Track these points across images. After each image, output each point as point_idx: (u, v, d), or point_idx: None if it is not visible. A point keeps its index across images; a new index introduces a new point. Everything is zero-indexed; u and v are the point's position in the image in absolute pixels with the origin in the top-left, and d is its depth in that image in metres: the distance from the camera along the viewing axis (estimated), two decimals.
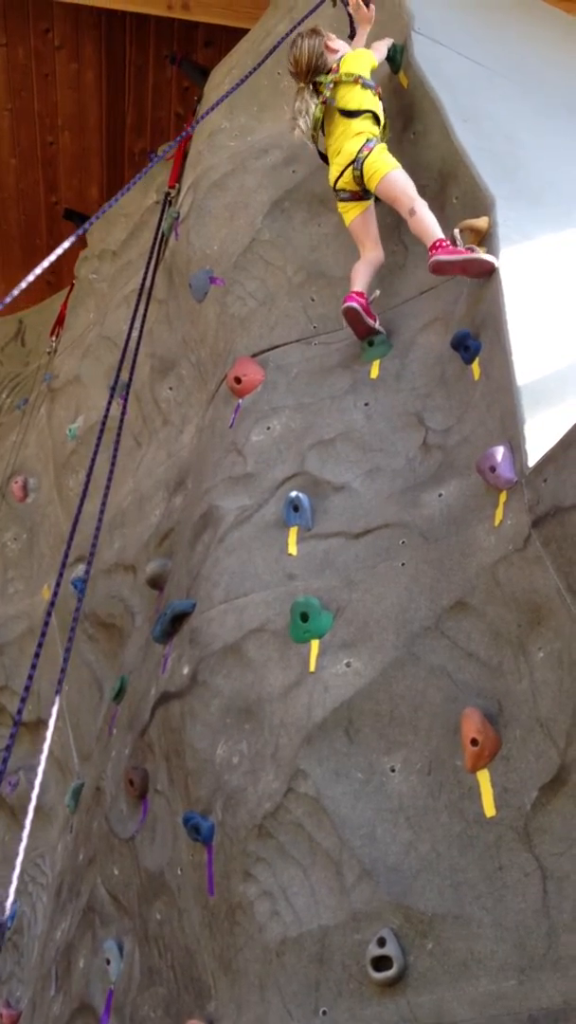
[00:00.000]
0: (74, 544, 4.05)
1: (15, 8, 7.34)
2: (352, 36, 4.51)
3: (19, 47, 7.66)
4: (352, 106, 3.93)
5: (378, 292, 3.82)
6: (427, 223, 3.62)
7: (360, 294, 3.75)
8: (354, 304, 3.70)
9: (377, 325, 3.75)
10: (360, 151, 3.84)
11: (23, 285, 2.61)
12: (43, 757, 3.15)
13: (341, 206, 3.98)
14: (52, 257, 2.99)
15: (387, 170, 3.78)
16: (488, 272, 3.38)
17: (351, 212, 3.94)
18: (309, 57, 4.04)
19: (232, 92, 4.47)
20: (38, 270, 2.77)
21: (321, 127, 4.04)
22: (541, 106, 4.47)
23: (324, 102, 3.98)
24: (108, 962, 3.32)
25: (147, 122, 8.19)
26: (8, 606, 5.80)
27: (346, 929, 2.52)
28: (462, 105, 4.10)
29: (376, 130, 3.93)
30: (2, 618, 5.74)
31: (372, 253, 3.92)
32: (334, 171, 3.94)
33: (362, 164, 3.82)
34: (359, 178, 3.85)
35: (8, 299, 2.51)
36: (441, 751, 2.63)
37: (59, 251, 3.04)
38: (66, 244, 3.08)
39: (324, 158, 4.08)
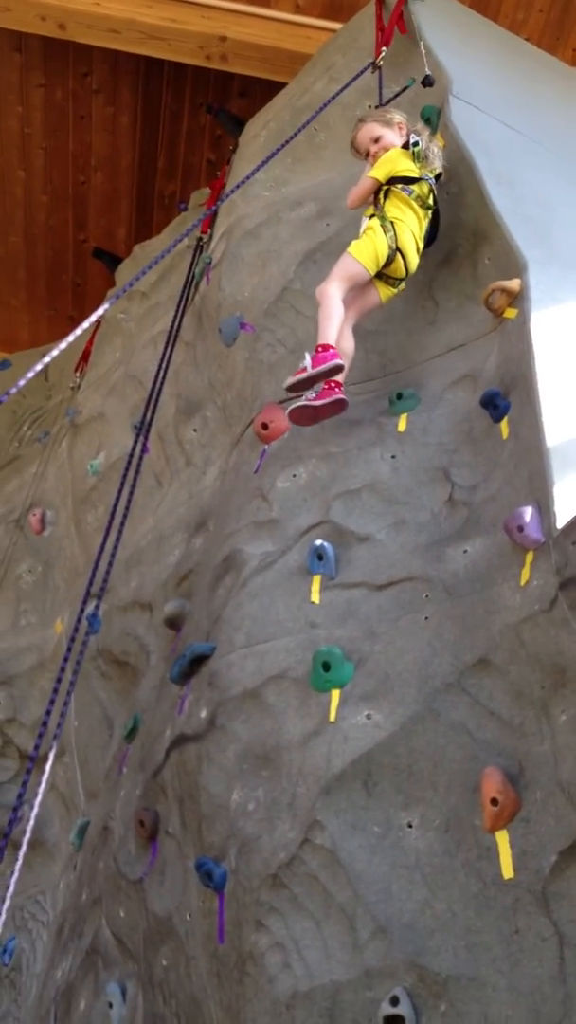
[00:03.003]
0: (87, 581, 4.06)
1: (56, 51, 7.54)
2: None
3: (58, 89, 7.86)
4: None
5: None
6: (320, 319, 3.73)
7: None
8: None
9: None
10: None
11: (71, 338, 2.66)
12: (40, 790, 3.13)
13: None
14: (99, 311, 3.06)
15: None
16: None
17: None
18: None
19: (273, 156, 4.55)
20: (84, 325, 2.82)
21: None
22: (574, 173, 4.56)
23: None
24: (110, 1005, 3.28)
25: (178, 167, 8.36)
26: (20, 638, 5.81)
27: (358, 986, 2.50)
28: (497, 168, 4.18)
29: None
30: (13, 650, 5.75)
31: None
32: None
33: None
34: None
35: (48, 359, 2.56)
36: (460, 809, 2.62)
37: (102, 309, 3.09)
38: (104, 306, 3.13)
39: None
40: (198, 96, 7.78)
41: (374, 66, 4.94)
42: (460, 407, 3.64)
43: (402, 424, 3.74)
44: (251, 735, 3.09)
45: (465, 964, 2.40)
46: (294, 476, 3.80)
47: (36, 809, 2.82)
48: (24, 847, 2.94)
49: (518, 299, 3.59)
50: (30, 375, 2.53)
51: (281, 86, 6.41)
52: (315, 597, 3.31)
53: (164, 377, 4.41)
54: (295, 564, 3.46)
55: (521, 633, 2.70)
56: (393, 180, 3.96)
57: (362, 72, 4.91)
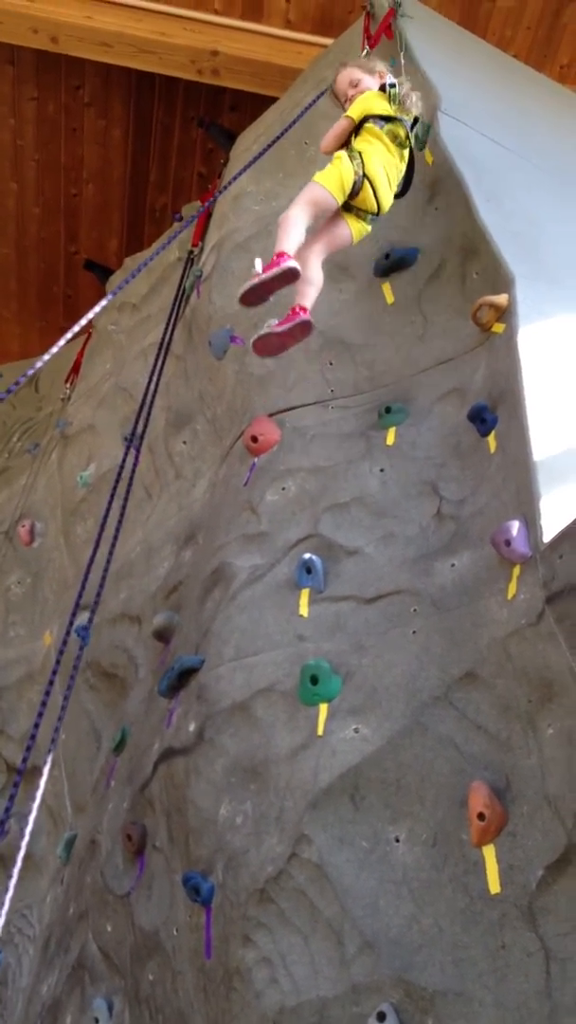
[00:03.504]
0: (76, 593, 4.05)
1: (48, 64, 7.56)
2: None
3: (50, 102, 7.88)
4: None
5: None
6: (281, 226, 3.57)
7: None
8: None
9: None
10: None
11: (61, 343, 2.67)
12: (35, 806, 3.12)
13: None
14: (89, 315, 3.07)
15: None
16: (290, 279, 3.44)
17: None
18: None
19: (259, 157, 4.58)
20: (73, 331, 2.83)
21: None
22: (561, 189, 4.60)
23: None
24: (96, 1021, 3.27)
25: (170, 180, 8.38)
26: (8, 650, 5.80)
27: (345, 1001, 2.50)
28: (485, 184, 4.21)
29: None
30: (2, 662, 5.73)
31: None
32: None
33: None
34: None
35: (39, 365, 2.57)
36: (447, 823, 2.63)
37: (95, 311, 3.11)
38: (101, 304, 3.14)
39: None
40: (189, 110, 7.81)
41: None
42: (448, 421, 3.66)
43: (390, 438, 3.76)
44: (239, 749, 3.09)
45: (452, 979, 2.40)
46: (283, 489, 3.81)
47: (31, 825, 2.80)
48: (19, 863, 2.93)
49: (506, 314, 3.61)
50: (14, 387, 2.53)
51: (272, 101, 6.44)
52: (303, 610, 3.32)
53: (156, 390, 4.42)
54: (284, 577, 3.47)
55: (508, 647, 2.71)
56: (367, 119, 3.84)
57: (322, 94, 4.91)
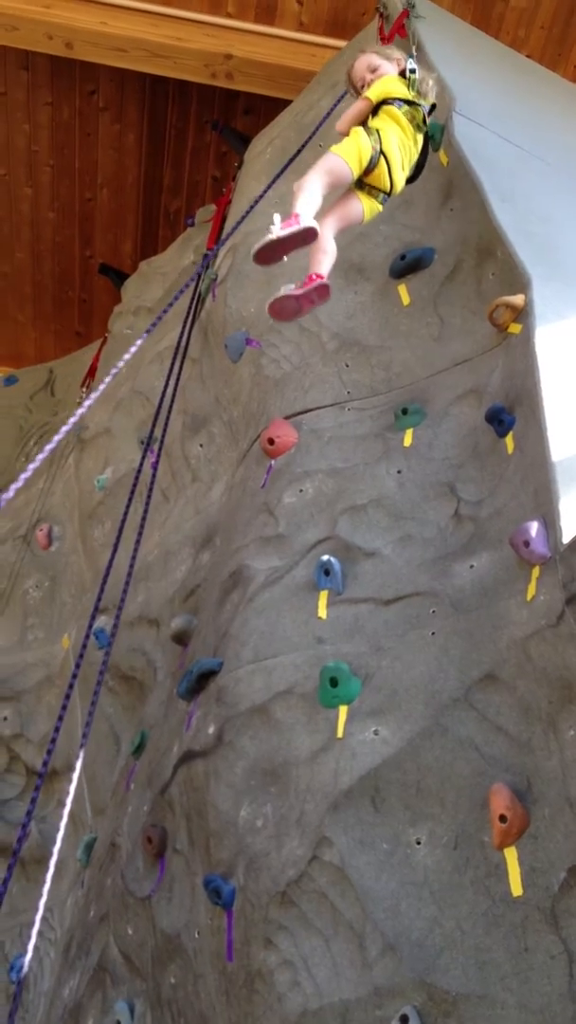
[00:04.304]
0: (94, 597, 4.04)
1: (63, 70, 7.61)
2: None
3: (64, 107, 7.93)
4: None
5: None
6: (298, 191, 3.51)
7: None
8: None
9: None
10: None
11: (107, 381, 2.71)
12: (65, 812, 3.14)
13: None
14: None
15: None
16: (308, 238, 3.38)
17: None
18: None
19: (278, 177, 4.55)
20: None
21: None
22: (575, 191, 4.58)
23: None
24: (118, 1023, 3.28)
25: (183, 184, 8.42)
26: (27, 653, 5.82)
27: (368, 1004, 2.49)
28: (500, 185, 4.20)
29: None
30: (21, 665, 5.75)
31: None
32: None
33: None
34: None
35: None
36: (468, 826, 2.62)
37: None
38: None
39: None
40: (203, 114, 7.84)
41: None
42: (465, 422, 3.65)
43: (408, 439, 3.75)
44: (259, 751, 3.10)
45: (474, 982, 2.39)
46: (300, 491, 3.81)
47: (62, 831, 2.82)
48: (52, 868, 2.94)
49: (522, 315, 3.61)
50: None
51: (285, 103, 6.45)
52: (322, 612, 3.32)
53: (174, 394, 4.42)
54: (302, 579, 3.47)
55: (528, 648, 2.70)
56: (385, 101, 3.79)
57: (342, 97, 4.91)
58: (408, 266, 4.31)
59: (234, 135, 7.15)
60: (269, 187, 4.43)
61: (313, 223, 3.42)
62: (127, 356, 3.07)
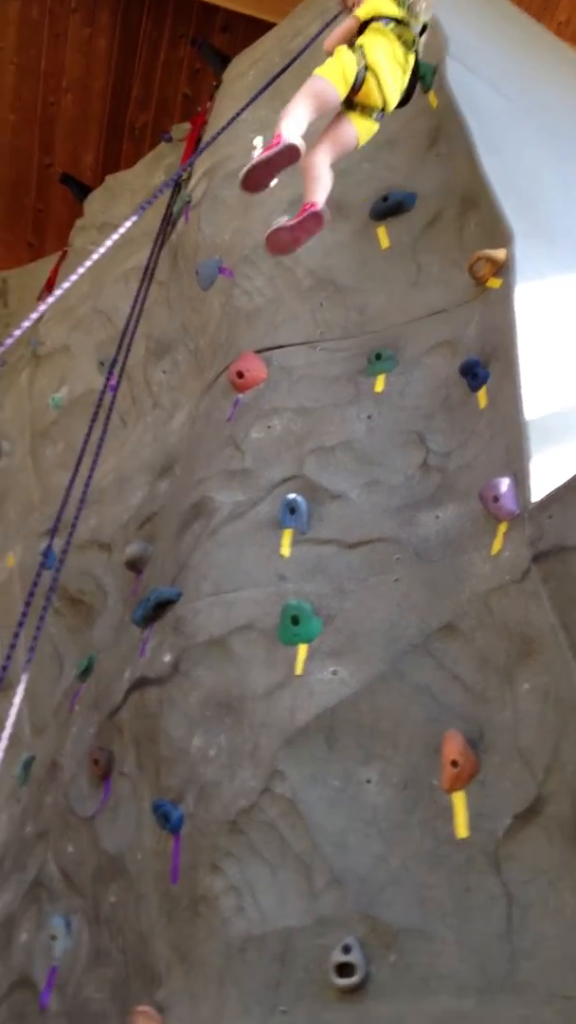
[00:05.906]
0: (43, 516, 4.00)
1: None
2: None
3: (34, 4, 7.59)
4: None
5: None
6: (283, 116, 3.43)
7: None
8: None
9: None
10: None
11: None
12: (6, 733, 3.12)
13: None
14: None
15: None
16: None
17: None
18: None
19: (261, 92, 4.43)
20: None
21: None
22: (563, 149, 4.56)
23: None
24: (54, 938, 3.33)
25: (153, 98, 8.14)
26: None
27: (311, 933, 2.58)
28: (489, 135, 4.15)
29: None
30: None
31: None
32: None
33: None
34: None
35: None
36: (419, 768, 2.69)
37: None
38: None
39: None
40: (179, 27, 7.55)
41: None
42: (438, 373, 3.66)
43: (379, 384, 3.75)
44: (215, 683, 3.13)
45: (416, 918, 2.48)
46: (268, 427, 3.80)
47: (3, 750, 2.81)
48: None
49: (503, 269, 3.60)
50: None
51: (265, 25, 6.27)
52: (285, 550, 3.34)
53: (139, 316, 4.34)
54: (266, 516, 3.48)
55: (489, 601, 2.76)
56: (373, 19, 3.64)
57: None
58: (390, 208, 4.26)
59: (214, 53, 6.93)
60: (248, 105, 4.29)
61: (295, 140, 3.33)
62: (81, 270, 2.99)
